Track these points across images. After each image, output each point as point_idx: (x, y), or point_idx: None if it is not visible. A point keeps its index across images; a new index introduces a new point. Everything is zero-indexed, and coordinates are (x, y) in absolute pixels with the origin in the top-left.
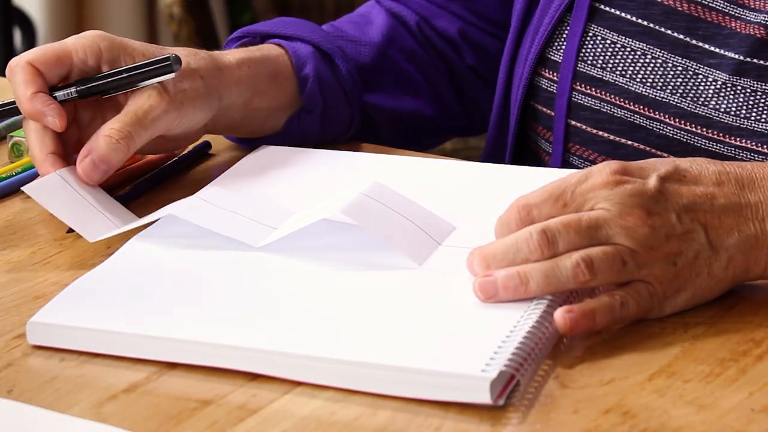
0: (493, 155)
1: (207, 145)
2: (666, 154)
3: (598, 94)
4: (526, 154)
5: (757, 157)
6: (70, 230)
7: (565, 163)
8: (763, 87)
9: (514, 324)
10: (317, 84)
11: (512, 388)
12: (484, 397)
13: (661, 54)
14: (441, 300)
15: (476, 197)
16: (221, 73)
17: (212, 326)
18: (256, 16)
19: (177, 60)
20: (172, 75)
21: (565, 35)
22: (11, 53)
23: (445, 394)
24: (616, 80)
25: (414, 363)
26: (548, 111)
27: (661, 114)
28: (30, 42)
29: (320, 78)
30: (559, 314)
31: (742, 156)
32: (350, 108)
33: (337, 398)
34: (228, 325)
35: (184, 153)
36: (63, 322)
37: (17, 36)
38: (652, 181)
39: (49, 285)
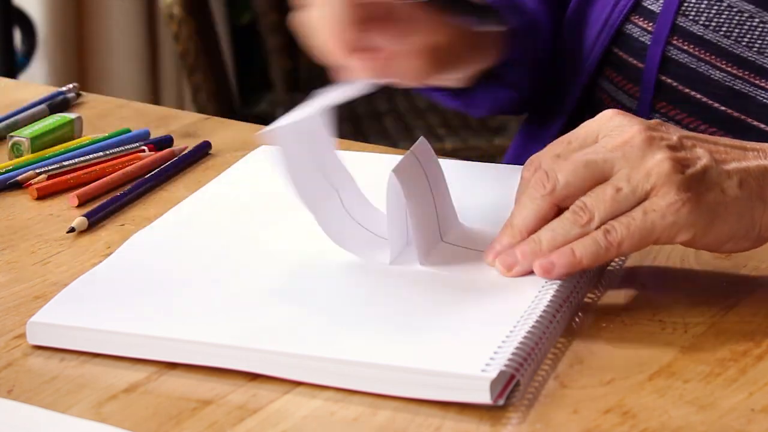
0: (550, 103)
1: (207, 145)
2: (763, 125)
3: (696, 53)
4: (592, 106)
5: None
6: (71, 230)
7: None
8: None
9: (514, 324)
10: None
11: (512, 388)
12: (484, 397)
13: None
14: (441, 300)
15: (476, 197)
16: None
17: (212, 326)
18: (256, 16)
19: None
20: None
21: None
22: (11, 53)
23: (445, 394)
24: (718, 41)
25: (414, 363)
26: (636, 62)
27: (765, 81)
28: (30, 42)
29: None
30: (536, 265)
31: None
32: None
33: (337, 398)
34: (228, 325)
35: (184, 153)
36: (63, 322)
37: (17, 36)
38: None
39: (49, 285)
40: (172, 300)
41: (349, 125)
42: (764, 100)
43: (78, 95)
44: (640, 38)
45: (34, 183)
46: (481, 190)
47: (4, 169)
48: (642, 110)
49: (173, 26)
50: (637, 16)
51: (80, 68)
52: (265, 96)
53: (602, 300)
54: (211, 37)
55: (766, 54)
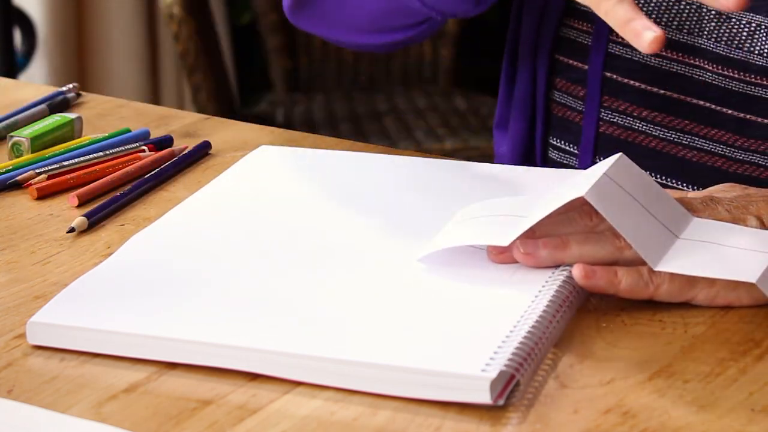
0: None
1: (207, 144)
2: (702, 102)
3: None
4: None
5: None
6: (71, 230)
7: (598, 119)
8: None
9: (514, 324)
10: None
11: (512, 388)
12: (484, 397)
13: None
14: (441, 300)
15: (476, 197)
16: None
17: (212, 326)
18: (256, 16)
19: None
20: None
21: None
22: (11, 53)
23: (445, 394)
24: None
25: (414, 363)
26: (579, 64)
27: (699, 60)
28: (30, 42)
29: None
30: (578, 266)
31: None
32: None
33: (337, 398)
34: (228, 325)
35: (184, 153)
36: (63, 322)
37: (17, 36)
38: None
39: (49, 285)
40: (172, 300)
41: (349, 125)
42: (699, 78)
43: (78, 95)
44: (578, 39)
45: (34, 183)
46: (481, 190)
47: (4, 169)
48: (590, 109)
49: (173, 26)
50: (572, 19)
51: (80, 68)
52: (265, 96)
53: (602, 300)
54: (211, 37)
55: (695, 34)
